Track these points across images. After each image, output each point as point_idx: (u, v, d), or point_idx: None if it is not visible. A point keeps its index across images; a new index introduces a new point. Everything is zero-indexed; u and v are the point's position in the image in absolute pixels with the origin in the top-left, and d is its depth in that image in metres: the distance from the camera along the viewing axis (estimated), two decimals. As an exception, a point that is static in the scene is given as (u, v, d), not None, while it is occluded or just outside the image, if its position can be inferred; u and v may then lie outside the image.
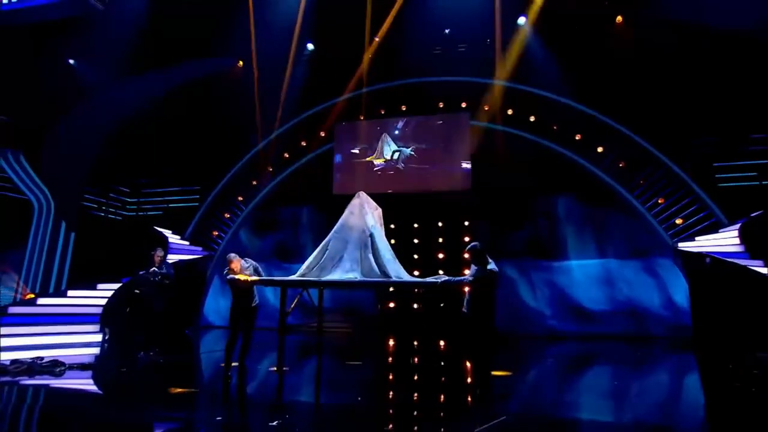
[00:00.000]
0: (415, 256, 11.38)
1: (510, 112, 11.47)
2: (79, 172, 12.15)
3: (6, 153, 11.08)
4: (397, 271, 5.40)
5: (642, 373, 7.06)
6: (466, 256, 5.20)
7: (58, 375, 5.86)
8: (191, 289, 11.53)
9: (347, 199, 6.26)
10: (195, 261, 11.82)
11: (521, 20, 11.21)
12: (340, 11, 10.92)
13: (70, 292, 10.36)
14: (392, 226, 10.94)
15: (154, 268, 8.19)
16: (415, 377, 6.45)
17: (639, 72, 10.23)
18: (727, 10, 8.73)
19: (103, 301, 9.81)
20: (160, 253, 8.42)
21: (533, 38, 11.20)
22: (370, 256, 5.32)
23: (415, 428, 4.11)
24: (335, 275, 5.39)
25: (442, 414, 4.65)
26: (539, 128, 11.21)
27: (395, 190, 11.64)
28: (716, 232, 9.66)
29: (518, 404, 5.06)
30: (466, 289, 5.20)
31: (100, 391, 5.82)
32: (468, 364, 6.08)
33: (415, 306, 11.39)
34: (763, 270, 8.43)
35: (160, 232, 11.94)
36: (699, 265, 9.12)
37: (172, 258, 11.23)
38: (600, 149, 10.84)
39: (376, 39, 11.95)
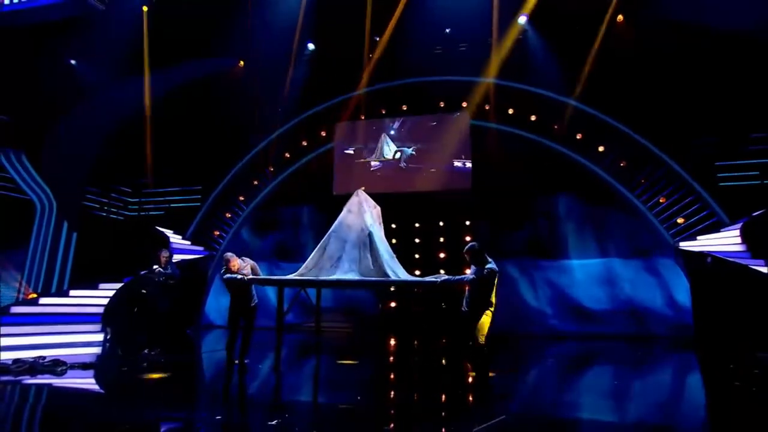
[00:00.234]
0: (416, 256, 11.39)
1: (511, 111, 11.46)
2: (81, 171, 12.18)
3: (8, 153, 11.12)
4: (395, 271, 5.38)
5: (642, 373, 7.05)
6: (466, 256, 5.21)
7: (60, 374, 5.88)
8: (192, 289, 11.56)
9: (347, 198, 6.26)
10: (196, 260, 11.84)
11: (522, 19, 11.20)
12: (340, 11, 10.92)
13: (72, 292, 10.41)
14: (393, 225, 11.01)
15: (159, 269, 8.27)
16: (414, 377, 6.45)
17: (640, 71, 10.21)
18: (727, 10, 8.71)
19: (105, 301, 9.84)
20: (165, 253, 8.50)
21: (534, 37, 11.19)
22: (369, 255, 5.29)
23: (415, 428, 4.12)
24: (333, 275, 5.37)
25: (440, 413, 4.66)
26: (540, 127, 11.19)
27: (395, 189, 11.64)
28: (718, 231, 9.64)
29: (518, 404, 5.06)
30: (467, 288, 5.21)
31: (101, 391, 5.84)
32: (466, 363, 6.08)
33: (416, 306, 11.40)
34: (765, 269, 8.41)
35: (162, 232, 11.99)
36: (700, 265, 9.10)
37: (173, 258, 11.27)
38: (601, 148, 10.82)
39: (377, 38, 11.96)
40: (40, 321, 9.03)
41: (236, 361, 5.80)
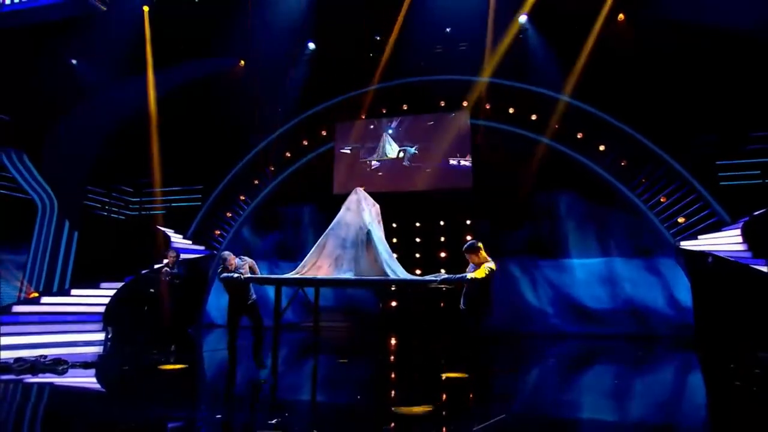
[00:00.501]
0: (417, 255, 11.40)
1: (511, 110, 11.46)
2: (82, 171, 12.22)
3: (9, 152, 11.15)
4: (394, 269, 5.35)
5: (643, 372, 7.05)
6: (466, 255, 5.20)
7: (61, 373, 5.90)
8: (193, 288, 11.59)
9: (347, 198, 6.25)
10: (197, 260, 11.87)
11: (522, 18, 11.19)
12: (341, 10, 10.92)
13: (73, 291, 10.45)
14: (393, 225, 11.02)
15: (167, 268, 8.39)
16: (414, 376, 6.46)
17: (640, 70, 10.20)
18: (727, 9, 8.70)
19: (106, 300, 9.88)
20: (173, 253, 8.60)
21: (534, 36, 11.18)
22: (367, 253, 5.26)
23: (415, 427, 4.12)
24: (332, 274, 5.35)
25: (441, 413, 4.66)
26: (540, 126, 11.18)
27: (396, 189, 11.65)
28: (719, 230, 9.62)
29: (518, 403, 5.06)
30: (464, 286, 5.20)
31: (103, 390, 5.86)
32: (464, 359, 6.09)
33: (417, 305, 11.39)
34: (765, 269, 8.39)
35: (163, 232, 12.02)
36: (701, 264, 9.09)
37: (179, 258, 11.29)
38: (602, 148, 10.81)
39: (377, 38, 11.96)
40: (41, 320, 9.07)
41: (263, 365, 5.80)
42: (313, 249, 5.64)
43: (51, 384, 5.58)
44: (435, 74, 11.89)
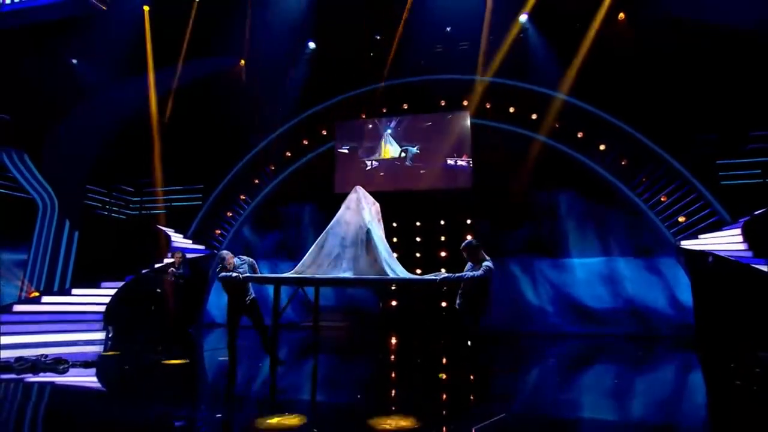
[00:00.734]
0: (417, 255, 11.41)
1: (512, 109, 11.45)
2: (82, 171, 12.23)
3: (10, 152, 11.16)
4: (394, 268, 5.34)
5: (643, 372, 7.04)
6: (464, 254, 5.20)
7: (62, 372, 5.91)
8: (194, 287, 11.62)
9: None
10: (198, 259, 11.88)
11: (522, 17, 11.18)
12: (341, 10, 10.92)
13: (74, 291, 10.47)
14: (394, 224, 11.02)
15: (173, 269, 8.51)
16: (414, 375, 6.46)
17: (640, 69, 10.19)
18: (727, 8, 8.69)
19: (107, 300, 9.90)
20: (179, 254, 8.70)
21: (534, 35, 11.17)
22: (367, 252, 5.25)
23: (415, 426, 4.12)
24: (331, 272, 5.33)
25: (441, 411, 4.66)
26: (541, 126, 11.18)
27: (396, 188, 11.65)
28: (719, 230, 9.62)
29: (518, 402, 5.06)
30: (462, 285, 5.20)
31: (103, 388, 5.87)
32: (463, 358, 6.10)
33: (417, 304, 11.41)
34: (766, 268, 8.38)
35: (164, 231, 12.03)
36: (702, 264, 9.09)
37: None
38: (602, 147, 10.81)
39: (378, 37, 11.96)
40: (42, 319, 9.08)
41: (281, 361, 5.79)
42: (312, 248, 5.62)
43: (52, 383, 5.58)
44: (435, 74, 11.89)
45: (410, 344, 9.46)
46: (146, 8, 11.18)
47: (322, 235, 5.61)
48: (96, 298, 10.07)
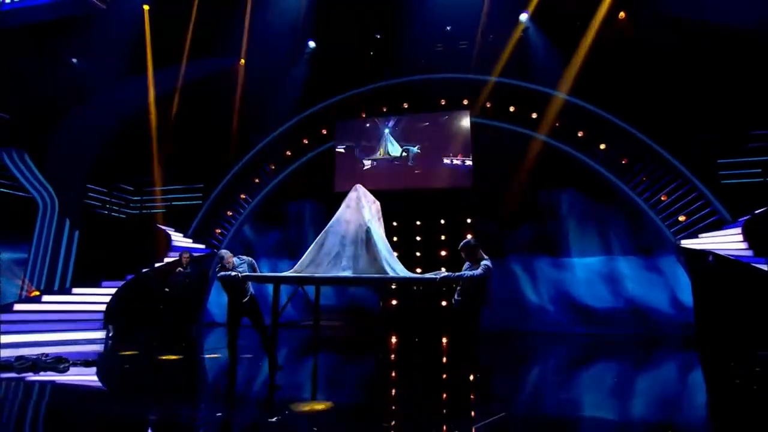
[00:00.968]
0: (417, 254, 11.41)
1: (512, 109, 11.45)
2: (82, 170, 12.24)
3: (10, 151, 11.17)
4: (394, 267, 5.33)
5: (643, 371, 7.05)
6: (462, 253, 5.19)
7: (62, 371, 5.91)
8: (195, 287, 11.62)
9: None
10: (198, 258, 11.88)
11: (523, 16, 11.18)
12: (341, 9, 10.92)
13: (74, 290, 10.48)
14: (394, 223, 11.02)
15: (179, 268, 8.60)
16: (414, 373, 6.47)
17: (641, 69, 10.18)
18: (728, 7, 8.68)
19: (107, 299, 9.91)
20: (186, 254, 8.80)
21: (534, 34, 11.16)
22: (367, 251, 5.23)
23: (415, 424, 4.13)
24: (331, 271, 5.32)
25: (441, 410, 4.66)
26: (541, 125, 11.17)
27: (396, 187, 11.65)
28: (719, 229, 9.61)
29: (518, 401, 5.06)
30: (460, 284, 5.20)
31: (104, 387, 5.88)
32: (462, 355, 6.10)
33: (417, 303, 11.41)
34: (766, 267, 8.38)
35: (164, 230, 12.03)
36: (702, 263, 9.09)
37: (174, 257, 11.34)
38: (602, 146, 10.81)
39: (378, 36, 11.96)
40: (42, 318, 9.09)
41: (279, 366, 5.74)
42: (312, 246, 5.61)
43: (52, 382, 5.59)
44: (435, 73, 11.88)
45: (410, 343, 9.47)
46: (146, 7, 11.18)
47: (321, 234, 5.59)
48: (96, 297, 10.08)
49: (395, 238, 10.85)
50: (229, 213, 12.81)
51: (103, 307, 9.71)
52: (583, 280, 10.60)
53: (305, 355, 7.89)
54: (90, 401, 5.10)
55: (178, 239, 12.14)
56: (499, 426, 3.94)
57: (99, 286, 10.47)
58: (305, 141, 12.80)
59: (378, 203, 5.82)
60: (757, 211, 9.16)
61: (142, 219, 13.66)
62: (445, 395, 5.18)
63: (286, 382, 5.63)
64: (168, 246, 11.73)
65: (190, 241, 12.34)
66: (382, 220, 5.78)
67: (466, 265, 5.18)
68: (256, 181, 12.85)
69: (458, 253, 5.36)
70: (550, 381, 6.28)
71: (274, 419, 4.07)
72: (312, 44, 12.55)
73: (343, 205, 5.62)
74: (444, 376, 6.05)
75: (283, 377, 5.70)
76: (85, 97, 11.40)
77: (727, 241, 9.26)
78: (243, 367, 6.13)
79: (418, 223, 11.76)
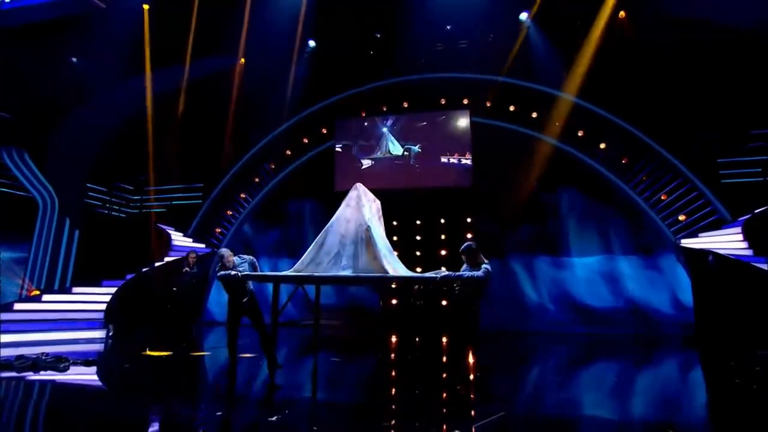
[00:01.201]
0: (418, 253, 11.41)
1: (512, 108, 11.44)
2: (83, 169, 12.24)
3: (11, 151, 11.17)
4: (394, 266, 5.32)
5: (644, 370, 7.05)
6: (463, 257, 5.19)
7: (63, 370, 5.92)
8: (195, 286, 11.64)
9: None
10: (198, 257, 11.89)
11: (523, 16, 11.18)
12: (341, 8, 10.91)
13: (74, 289, 10.48)
14: (394, 222, 11.02)
15: (186, 268, 8.69)
16: (414, 372, 6.47)
17: (641, 68, 10.18)
18: (728, 7, 8.67)
19: (108, 298, 9.91)
20: (193, 254, 8.98)
21: (535, 34, 11.16)
22: (367, 250, 5.22)
23: (415, 423, 4.13)
24: (331, 270, 5.31)
25: (441, 409, 4.67)
26: (541, 124, 11.17)
27: (397, 186, 11.66)
28: (719, 228, 9.61)
29: (518, 400, 5.06)
30: (459, 284, 5.20)
31: (104, 386, 5.88)
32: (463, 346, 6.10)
33: (418, 302, 11.42)
34: (766, 267, 8.38)
35: (163, 229, 12.03)
36: (702, 262, 9.09)
37: (174, 256, 11.36)
38: (602, 145, 10.80)
39: (378, 35, 11.95)
40: (42, 318, 9.10)
41: (278, 365, 5.70)
42: (312, 246, 5.60)
43: (52, 381, 5.59)
44: (435, 72, 11.88)
45: (411, 342, 9.47)
46: (146, 7, 11.17)
47: (321, 233, 5.58)
48: (96, 296, 10.09)
49: (395, 238, 10.85)
50: (229, 212, 12.81)
51: (103, 307, 9.72)
52: (583, 280, 10.60)
53: (305, 355, 7.90)
54: (90, 400, 5.11)
55: (178, 238, 12.14)
56: (499, 426, 3.94)
57: (99, 285, 10.48)
58: (305, 140, 12.80)
59: (378, 202, 5.81)
60: (757, 211, 9.16)
61: (142, 218, 13.66)
62: (445, 395, 5.18)
63: (285, 381, 5.63)
64: (168, 245, 11.73)
65: (191, 240, 12.34)
66: (382, 219, 5.77)
67: (465, 267, 5.18)
68: (256, 180, 12.85)
69: (458, 252, 5.36)
70: (549, 380, 6.28)
71: (273, 418, 4.07)
72: (312, 43, 12.55)
73: (343, 204, 5.61)
74: (444, 375, 6.05)
75: (283, 376, 5.70)
76: (85, 97, 11.40)
77: (727, 241, 9.27)
78: (243, 366, 6.13)
79: (418, 222, 11.77)
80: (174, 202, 13.52)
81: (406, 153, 12.02)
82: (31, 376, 5.67)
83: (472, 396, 5.09)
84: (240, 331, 5.94)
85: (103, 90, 11.46)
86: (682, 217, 10.00)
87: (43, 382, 5.51)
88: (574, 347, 8.98)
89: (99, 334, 9.10)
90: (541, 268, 10.88)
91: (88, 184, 12.79)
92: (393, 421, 4.24)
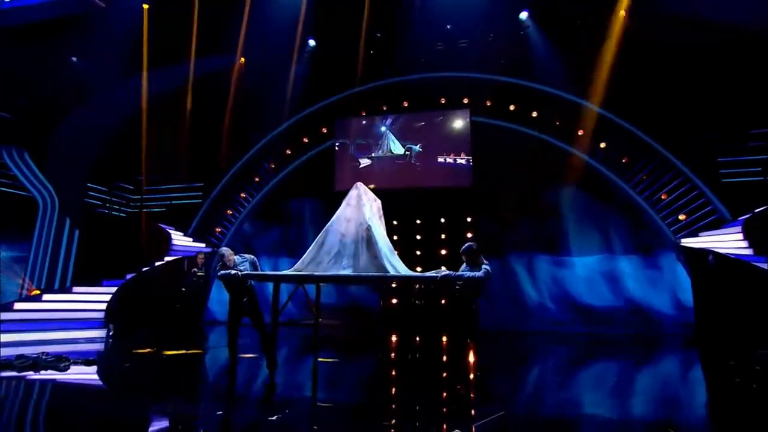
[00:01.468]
0: (418, 252, 11.41)
1: (512, 107, 11.44)
2: (83, 169, 12.23)
3: (11, 150, 11.17)
4: (395, 265, 5.32)
5: (644, 369, 7.05)
6: (463, 257, 5.19)
7: (63, 370, 5.92)
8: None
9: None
10: (191, 257, 11.89)
11: (523, 15, 11.17)
12: (342, 8, 10.90)
13: (74, 289, 10.49)
14: (394, 222, 11.02)
15: (194, 269, 8.81)
16: (414, 372, 6.47)
17: (641, 67, 10.17)
18: (729, 7, 8.67)
19: (108, 298, 9.92)
20: (201, 255, 9.24)
21: (535, 33, 11.15)
22: (368, 249, 5.22)
23: (414, 423, 4.13)
24: (331, 270, 5.31)
25: (441, 409, 4.67)
26: (541, 124, 11.17)
27: (397, 186, 11.66)
28: (720, 228, 9.61)
29: (518, 400, 5.07)
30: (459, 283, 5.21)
31: (104, 386, 5.89)
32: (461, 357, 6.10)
33: (418, 302, 11.42)
34: (766, 266, 8.38)
35: (164, 229, 12.03)
36: (702, 261, 9.09)
37: (174, 255, 11.36)
38: (603, 145, 10.80)
39: (378, 35, 11.94)
40: (43, 317, 9.11)
41: (276, 365, 5.68)
42: (312, 245, 5.60)
43: (53, 381, 5.60)
44: (435, 71, 11.87)
45: (411, 342, 9.47)
46: (146, 6, 11.17)
47: (322, 233, 5.58)
48: (97, 296, 10.10)
49: (395, 237, 10.85)
50: (230, 212, 12.82)
51: (103, 306, 9.73)
52: (583, 279, 10.60)
53: (305, 354, 7.90)
54: (91, 400, 5.11)
55: (178, 238, 12.15)
56: (499, 425, 3.94)
57: (99, 285, 10.49)
58: (305, 140, 12.79)
59: (379, 201, 5.81)
60: (757, 210, 9.16)
61: (142, 218, 13.65)
62: (445, 394, 5.18)
63: (285, 381, 5.64)
64: (168, 245, 11.74)
65: (191, 240, 12.34)
66: (383, 218, 5.76)
67: (463, 267, 5.18)
68: (257, 179, 12.86)
69: (458, 251, 5.36)
70: (549, 380, 6.28)
71: (273, 418, 4.07)
72: (312, 43, 12.54)
73: (343, 204, 5.61)
74: (444, 375, 6.05)
75: (282, 376, 5.70)
76: (85, 96, 11.39)
77: (727, 240, 9.27)
78: (243, 366, 6.13)
79: (418, 221, 11.77)
80: (174, 202, 13.52)
81: (407, 152, 12.03)
82: (32, 375, 5.68)
83: (472, 396, 5.09)
84: (241, 330, 5.94)
85: (103, 90, 11.45)
86: (682, 217, 10.00)
87: (43, 382, 5.51)
88: (574, 346, 8.97)
89: (99, 333, 9.11)
90: (542, 268, 10.88)
91: (89, 184, 12.79)
92: (393, 421, 4.24)
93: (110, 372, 6.43)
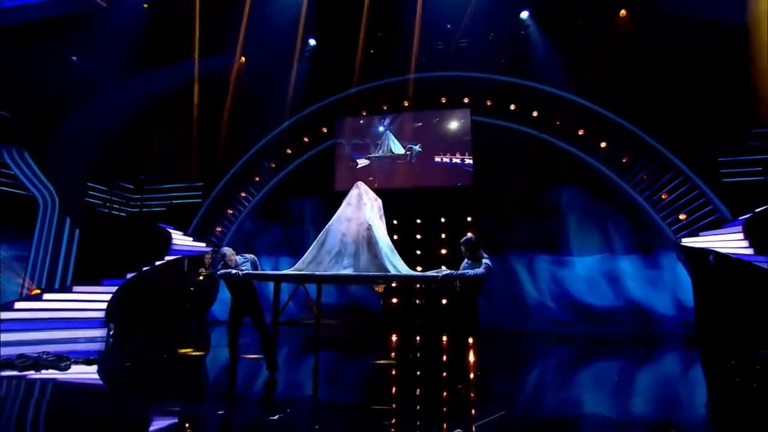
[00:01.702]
0: (418, 252, 11.41)
1: (513, 107, 11.44)
2: (83, 168, 12.23)
3: (11, 149, 11.16)
4: (396, 265, 5.32)
5: (644, 369, 7.05)
6: (463, 249, 5.19)
7: (64, 369, 5.92)
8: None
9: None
10: (198, 257, 11.88)
11: (524, 14, 11.17)
12: (342, 7, 10.90)
13: (75, 288, 10.49)
14: (395, 221, 11.02)
15: (202, 269, 9.20)
16: (414, 372, 6.47)
17: (642, 67, 10.17)
18: (729, 6, 8.66)
19: (108, 297, 9.92)
20: (209, 255, 9.42)
21: (535, 32, 11.15)
22: (368, 249, 5.22)
23: (414, 423, 4.14)
24: (332, 269, 5.31)
25: (441, 409, 4.67)
26: (542, 123, 11.17)
27: (397, 185, 11.66)
28: (720, 227, 9.61)
29: (518, 400, 5.07)
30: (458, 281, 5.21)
31: (104, 385, 5.89)
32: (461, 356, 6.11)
33: (418, 301, 11.42)
34: (766, 266, 8.38)
35: (164, 228, 12.03)
36: (702, 261, 9.09)
37: (174, 255, 11.36)
38: (603, 144, 10.80)
39: (379, 34, 11.94)
40: (43, 317, 9.11)
41: (276, 366, 5.65)
42: (313, 244, 5.60)
43: (54, 380, 5.60)
44: (436, 71, 11.87)
45: (411, 342, 9.48)
46: (146, 6, 11.16)
47: (322, 232, 5.58)
48: (97, 295, 10.10)
49: (395, 236, 10.84)
50: (230, 211, 12.81)
51: (103, 306, 9.73)
52: (584, 279, 10.60)
53: (305, 354, 7.90)
54: (91, 399, 5.11)
55: (179, 238, 12.14)
56: (499, 425, 3.95)
57: (100, 284, 10.49)
58: (306, 139, 12.79)
59: (380, 201, 5.81)
60: (757, 210, 9.16)
61: (142, 217, 13.66)
62: (445, 394, 5.18)
63: (286, 380, 5.64)
64: (168, 244, 11.73)
65: (191, 239, 12.34)
66: (383, 218, 5.76)
67: (465, 262, 5.18)
68: (257, 179, 12.86)
69: (458, 251, 5.36)
70: (549, 379, 6.28)
71: (274, 418, 4.07)
72: (313, 42, 12.53)
73: (344, 203, 5.60)
74: (444, 375, 6.06)
75: (283, 376, 5.71)
76: (86, 96, 11.39)
77: (728, 240, 9.27)
78: (243, 366, 6.13)
79: (418, 221, 11.77)
80: (174, 202, 13.52)
81: (407, 152, 12.03)
82: (33, 375, 5.68)
83: (472, 396, 5.10)
84: (241, 330, 5.93)
85: (104, 89, 11.45)
86: (682, 216, 10.00)
87: (44, 381, 5.51)
88: (574, 346, 8.98)
89: (100, 333, 9.11)
90: (542, 267, 10.89)
91: (89, 183, 12.79)
92: (393, 421, 4.24)
93: (111, 371, 6.43)
